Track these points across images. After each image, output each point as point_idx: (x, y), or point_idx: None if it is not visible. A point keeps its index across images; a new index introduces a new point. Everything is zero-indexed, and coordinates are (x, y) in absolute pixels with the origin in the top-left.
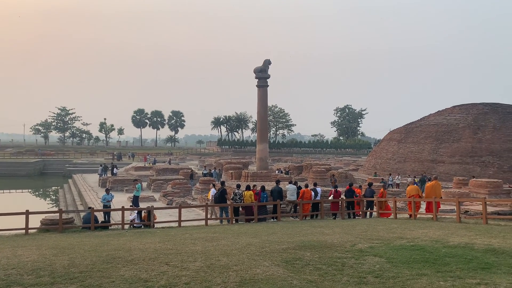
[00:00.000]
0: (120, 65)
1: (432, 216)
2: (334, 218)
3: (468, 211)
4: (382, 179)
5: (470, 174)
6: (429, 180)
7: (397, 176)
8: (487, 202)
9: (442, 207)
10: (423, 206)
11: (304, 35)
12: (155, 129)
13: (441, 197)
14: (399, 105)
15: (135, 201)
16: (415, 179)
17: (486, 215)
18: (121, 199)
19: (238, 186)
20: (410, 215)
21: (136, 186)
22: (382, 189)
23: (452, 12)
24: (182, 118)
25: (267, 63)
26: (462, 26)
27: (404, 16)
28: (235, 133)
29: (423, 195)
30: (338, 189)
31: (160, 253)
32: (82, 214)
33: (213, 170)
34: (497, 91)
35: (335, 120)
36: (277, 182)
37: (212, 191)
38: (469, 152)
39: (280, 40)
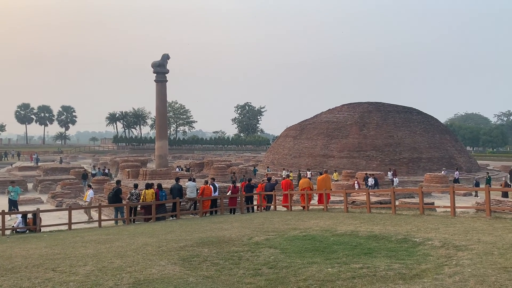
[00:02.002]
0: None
1: (323, 207)
2: (233, 213)
3: (355, 201)
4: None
5: (356, 167)
6: (321, 173)
7: (284, 171)
8: (370, 193)
9: (332, 198)
10: (317, 197)
11: (205, 30)
12: (43, 126)
13: (331, 189)
14: (296, 103)
15: (14, 205)
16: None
17: (369, 205)
18: (1, 202)
19: (136, 186)
20: (304, 207)
21: (9, 189)
22: (288, 180)
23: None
24: (74, 113)
25: (166, 57)
26: (359, 30)
27: (309, 15)
28: (133, 129)
29: (315, 187)
30: (237, 184)
31: (46, 259)
32: None
33: (105, 170)
34: (380, 90)
35: (235, 117)
36: (177, 179)
37: (90, 193)
38: (356, 147)
39: (181, 35)
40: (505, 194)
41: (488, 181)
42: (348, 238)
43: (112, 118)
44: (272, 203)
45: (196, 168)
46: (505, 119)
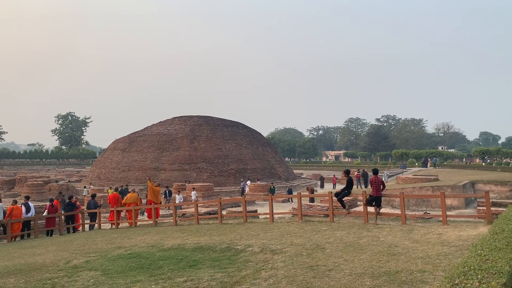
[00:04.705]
0: None
1: (152, 222)
2: (50, 236)
3: (185, 214)
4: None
5: (188, 180)
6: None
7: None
8: (199, 205)
9: (163, 212)
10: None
11: (18, 31)
12: None
13: (161, 203)
14: (126, 114)
15: None
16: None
17: (197, 216)
18: None
19: None
20: (131, 223)
21: None
22: (116, 194)
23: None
24: None
25: None
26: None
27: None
28: None
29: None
30: (54, 202)
31: None
32: None
33: None
34: (208, 105)
35: (56, 128)
36: None
37: None
38: (187, 159)
39: None
40: (312, 200)
41: (272, 191)
42: (175, 252)
43: None
44: (97, 221)
45: (6, 186)
46: (315, 133)
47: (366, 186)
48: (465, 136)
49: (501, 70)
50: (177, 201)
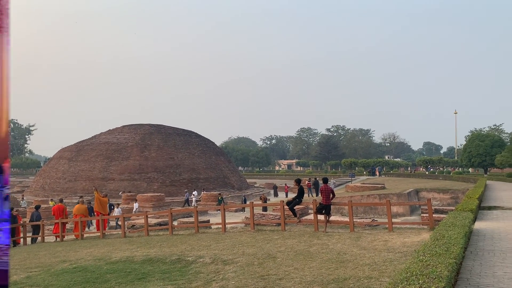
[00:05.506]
0: None
1: (100, 234)
2: None
3: (135, 225)
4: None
5: (138, 190)
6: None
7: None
8: (149, 216)
9: (112, 223)
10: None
11: None
12: None
13: (108, 214)
14: (74, 121)
15: None
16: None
17: (147, 228)
18: None
19: None
20: (77, 236)
21: None
22: (61, 206)
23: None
24: None
25: None
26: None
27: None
28: None
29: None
30: None
31: None
32: None
33: None
34: (160, 113)
35: None
36: None
37: None
38: (137, 169)
39: None
40: (264, 208)
41: (220, 201)
42: (123, 265)
43: None
44: (40, 234)
45: None
46: (268, 142)
47: (317, 195)
48: (410, 146)
49: (443, 83)
50: (115, 214)
